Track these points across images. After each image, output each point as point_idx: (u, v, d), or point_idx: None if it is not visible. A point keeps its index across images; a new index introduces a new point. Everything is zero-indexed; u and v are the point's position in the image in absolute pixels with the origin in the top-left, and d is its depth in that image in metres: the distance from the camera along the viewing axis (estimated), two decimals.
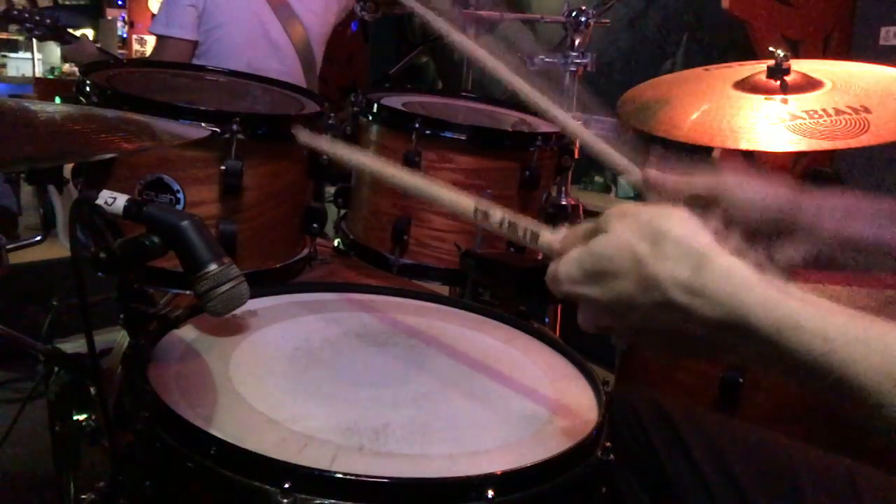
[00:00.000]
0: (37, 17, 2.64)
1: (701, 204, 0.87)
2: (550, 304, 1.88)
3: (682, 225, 0.65)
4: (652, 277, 0.63)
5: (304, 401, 0.86)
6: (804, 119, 1.41)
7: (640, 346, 0.72)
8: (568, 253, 0.69)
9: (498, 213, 0.79)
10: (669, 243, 0.64)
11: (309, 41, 2.45)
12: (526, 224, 0.77)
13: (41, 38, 2.69)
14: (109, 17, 6.38)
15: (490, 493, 0.70)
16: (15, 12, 2.63)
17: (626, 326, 0.68)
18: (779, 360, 0.60)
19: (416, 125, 1.39)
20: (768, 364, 0.62)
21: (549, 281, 0.71)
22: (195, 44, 2.34)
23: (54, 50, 6.40)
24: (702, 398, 1.22)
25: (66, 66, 6.33)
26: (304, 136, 1.06)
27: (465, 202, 0.83)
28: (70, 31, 2.68)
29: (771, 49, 1.50)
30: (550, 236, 0.75)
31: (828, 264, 0.89)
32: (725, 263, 0.63)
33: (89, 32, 6.54)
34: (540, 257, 1.60)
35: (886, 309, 1.16)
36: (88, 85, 1.27)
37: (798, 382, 0.62)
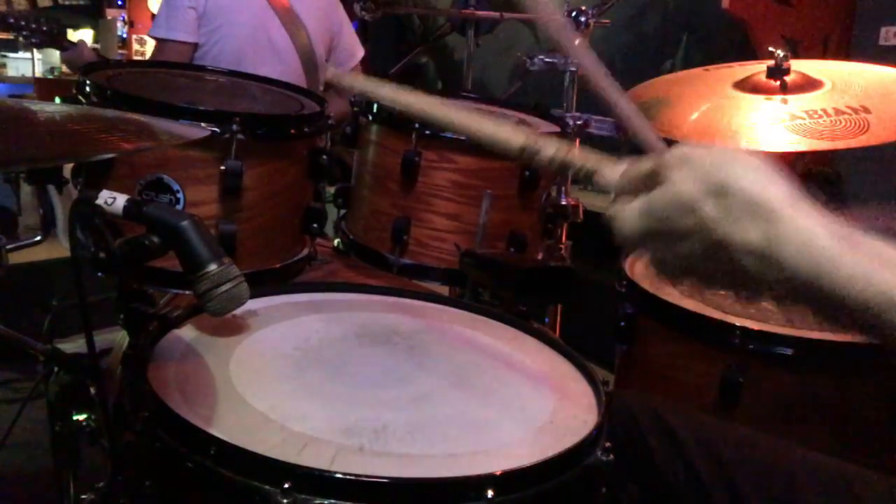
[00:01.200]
0: (33, 25, 2.64)
1: None
2: (550, 304, 1.88)
3: (749, 175, 0.57)
4: (720, 243, 0.56)
5: (304, 401, 0.86)
6: (804, 119, 1.41)
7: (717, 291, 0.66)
8: (628, 203, 0.62)
9: (549, 150, 0.71)
10: (735, 199, 0.56)
11: (311, 45, 2.45)
12: (582, 161, 0.69)
13: (39, 46, 2.70)
14: (109, 17, 6.37)
15: (490, 493, 0.70)
16: (11, 20, 2.64)
17: (697, 279, 0.62)
18: (864, 329, 0.55)
19: (416, 125, 1.39)
20: (847, 328, 0.57)
21: (613, 226, 0.64)
22: (195, 46, 2.33)
23: (54, 50, 6.40)
24: (702, 398, 1.22)
25: (66, 67, 6.34)
26: (331, 73, 0.98)
27: (513, 138, 0.74)
28: (68, 37, 2.69)
29: (771, 49, 1.50)
30: (608, 175, 0.67)
31: None
32: (801, 224, 0.55)
33: (89, 32, 6.54)
34: (540, 256, 1.60)
35: None
36: (88, 85, 1.27)
37: (877, 344, 0.56)
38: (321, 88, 2.56)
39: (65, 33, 2.63)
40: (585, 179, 0.69)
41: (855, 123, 1.37)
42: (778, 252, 0.55)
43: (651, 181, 0.61)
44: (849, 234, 0.56)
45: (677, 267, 0.61)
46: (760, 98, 1.49)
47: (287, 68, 2.38)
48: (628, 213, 0.62)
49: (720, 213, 0.56)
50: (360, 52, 2.68)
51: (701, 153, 0.59)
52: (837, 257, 0.54)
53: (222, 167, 1.23)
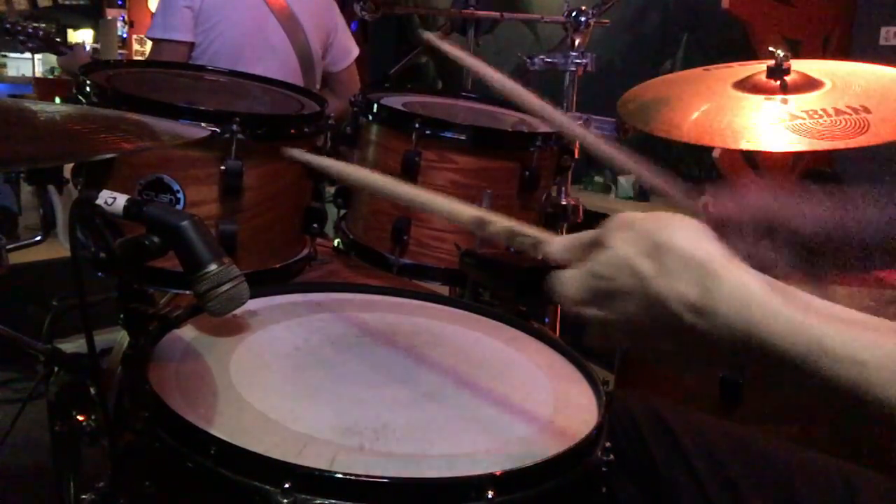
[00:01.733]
0: (30, 31, 2.66)
1: (760, 229, 0.86)
2: (550, 304, 1.88)
3: (686, 235, 0.59)
4: (657, 297, 0.58)
5: (304, 401, 0.86)
6: (804, 119, 1.41)
7: (658, 361, 0.66)
8: (569, 270, 0.65)
9: (498, 223, 0.76)
10: (672, 257, 0.58)
11: (308, 43, 2.45)
12: (527, 232, 0.73)
13: (35, 51, 2.73)
14: (109, 17, 6.38)
15: (490, 493, 0.70)
16: (8, 25, 2.66)
17: (641, 345, 0.63)
18: (803, 382, 0.55)
19: (416, 125, 1.39)
20: (791, 383, 0.57)
21: (556, 297, 0.67)
22: (192, 45, 2.33)
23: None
24: (702, 398, 1.22)
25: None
26: (296, 154, 1.07)
27: (464, 212, 0.79)
28: (66, 41, 2.71)
29: (771, 49, 1.50)
30: (552, 246, 0.70)
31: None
32: (736, 279, 0.57)
33: (89, 32, 6.55)
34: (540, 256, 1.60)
35: (886, 309, 1.16)
36: (88, 85, 1.27)
37: (822, 401, 0.57)
38: (318, 86, 2.56)
39: (64, 37, 2.67)
40: (532, 251, 0.72)
41: (855, 123, 1.37)
42: (714, 305, 0.56)
43: (593, 248, 0.64)
44: (782, 288, 0.57)
45: (621, 329, 0.63)
46: (760, 98, 1.49)
47: (284, 66, 2.38)
48: (571, 277, 0.65)
49: (656, 270, 0.58)
50: (356, 51, 2.68)
51: (638, 218, 0.62)
52: (772, 309, 0.56)
53: (222, 167, 1.23)
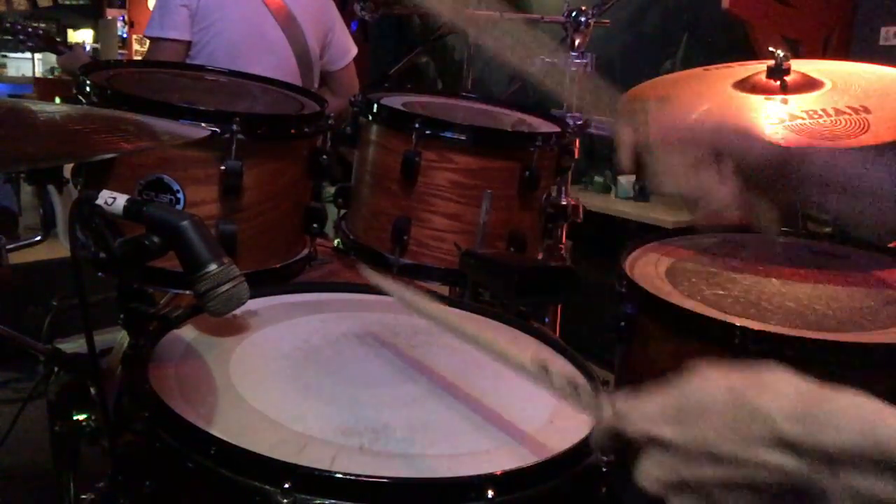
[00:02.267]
0: (29, 30, 2.67)
1: (707, 151, 0.86)
2: (550, 304, 1.88)
3: (780, 371, 0.56)
4: (753, 408, 0.55)
5: (304, 401, 0.86)
6: (804, 119, 1.41)
7: None
8: (649, 461, 0.60)
9: (557, 375, 0.72)
10: (770, 378, 0.56)
11: (306, 42, 2.45)
12: (587, 390, 0.70)
13: (34, 50, 2.74)
14: (109, 17, 6.39)
15: (490, 493, 0.70)
16: (8, 24, 2.67)
17: (703, 482, 0.57)
18: None
19: (416, 125, 1.39)
20: None
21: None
22: (189, 44, 2.33)
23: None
24: None
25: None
26: (369, 273, 1.02)
27: (524, 360, 0.75)
28: (66, 41, 2.72)
29: (771, 49, 1.50)
30: (633, 419, 0.63)
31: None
32: (846, 397, 0.54)
33: (89, 32, 6.55)
34: (540, 256, 1.60)
35: (886, 309, 1.16)
36: (88, 85, 1.27)
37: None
38: (316, 86, 2.56)
39: (64, 37, 2.69)
40: (591, 411, 0.67)
41: (855, 123, 1.37)
42: (820, 411, 0.53)
43: (670, 423, 0.59)
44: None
45: (689, 459, 0.57)
46: (760, 98, 1.49)
47: (282, 65, 2.38)
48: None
49: (754, 386, 0.55)
50: (354, 50, 2.68)
51: (716, 397, 0.58)
52: (886, 410, 0.53)
53: (222, 167, 1.23)
